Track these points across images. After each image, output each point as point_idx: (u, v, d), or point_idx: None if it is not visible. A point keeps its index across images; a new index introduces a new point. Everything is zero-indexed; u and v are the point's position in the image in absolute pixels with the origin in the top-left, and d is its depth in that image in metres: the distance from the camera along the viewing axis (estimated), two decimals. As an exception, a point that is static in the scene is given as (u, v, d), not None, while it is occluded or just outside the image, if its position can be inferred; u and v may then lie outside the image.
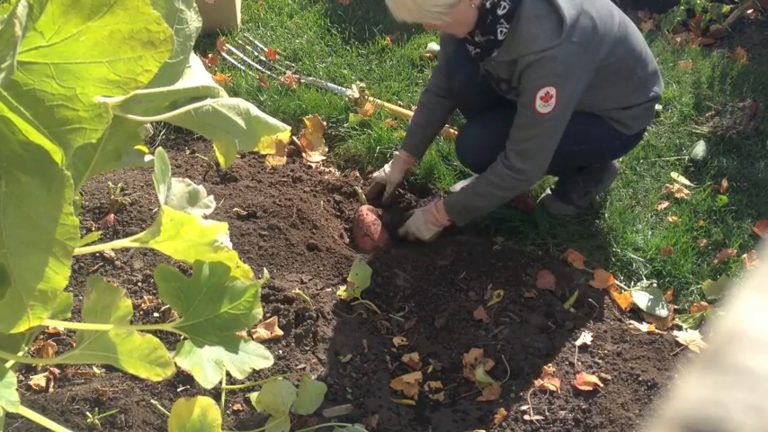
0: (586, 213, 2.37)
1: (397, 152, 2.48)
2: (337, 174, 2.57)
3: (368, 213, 2.32)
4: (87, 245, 1.04)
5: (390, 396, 1.78)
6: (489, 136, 2.10)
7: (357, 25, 3.34)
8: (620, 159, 2.58)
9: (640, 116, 2.11)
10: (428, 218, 2.22)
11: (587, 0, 1.88)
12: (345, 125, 2.70)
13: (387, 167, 2.46)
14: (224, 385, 1.69)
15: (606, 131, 2.10)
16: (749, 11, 3.53)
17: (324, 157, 2.63)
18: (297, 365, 1.79)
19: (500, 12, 1.83)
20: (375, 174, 2.51)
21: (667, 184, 2.50)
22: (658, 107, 2.85)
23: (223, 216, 2.17)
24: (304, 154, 2.61)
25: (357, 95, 2.77)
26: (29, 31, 0.63)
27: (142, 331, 0.93)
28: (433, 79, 2.33)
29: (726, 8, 3.44)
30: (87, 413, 1.62)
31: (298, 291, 1.95)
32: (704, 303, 2.05)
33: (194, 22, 0.89)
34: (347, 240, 2.31)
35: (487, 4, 1.82)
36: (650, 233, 2.29)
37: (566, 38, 1.81)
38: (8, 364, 0.90)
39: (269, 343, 1.82)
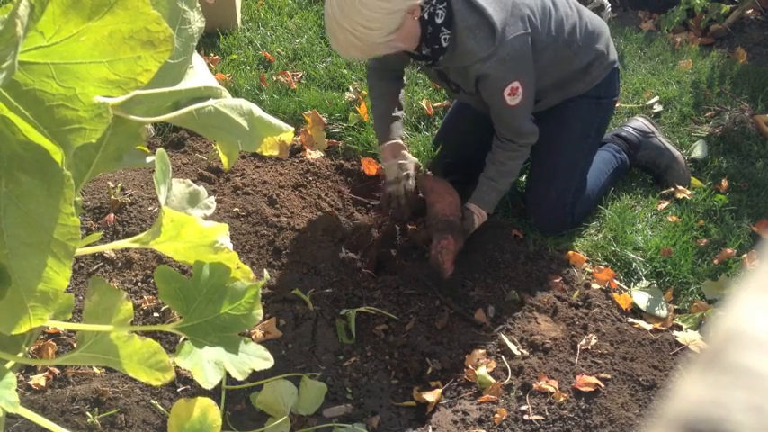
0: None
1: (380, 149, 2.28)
2: (337, 172, 2.57)
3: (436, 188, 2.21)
4: (89, 245, 1.04)
5: (390, 396, 1.78)
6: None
7: (357, 25, 3.34)
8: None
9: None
10: (470, 229, 2.17)
11: None
12: (344, 125, 2.69)
13: (393, 168, 2.23)
14: (224, 385, 1.69)
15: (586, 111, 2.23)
16: (749, 11, 3.53)
17: (324, 154, 2.62)
18: (297, 365, 1.79)
19: (438, 20, 1.85)
20: (390, 188, 2.26)
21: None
22: (658, 107, 2.85)
23: (223, 216, 2.17)
24: (303, 153, 2.60)
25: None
26: (29, 31, 0.63)
27: (142, 333, 0.93)
28: (371, 71, 2.26)
29: (726, 8, 3.43)
30: (87, 413, 1.62)
31: (297, 291, 1.95)
32: (704, 303, 2.05)
33: (197, 22, 0.89)
34: (347, 242, 2.30)
35: (425, 15, 1.84)
36: (650, 233, 2.29)
37: (500, 40, 1.86)
38: (8, 365, 0.90)
39: (268, 343, 1.82)
